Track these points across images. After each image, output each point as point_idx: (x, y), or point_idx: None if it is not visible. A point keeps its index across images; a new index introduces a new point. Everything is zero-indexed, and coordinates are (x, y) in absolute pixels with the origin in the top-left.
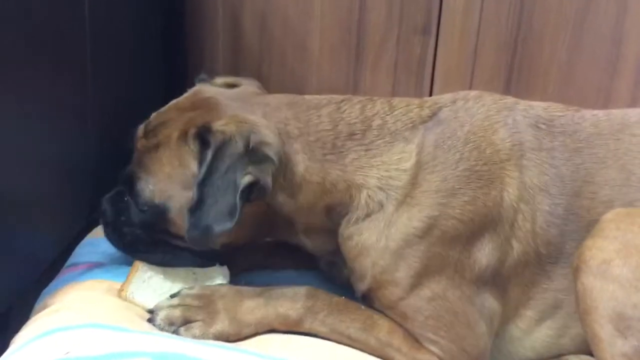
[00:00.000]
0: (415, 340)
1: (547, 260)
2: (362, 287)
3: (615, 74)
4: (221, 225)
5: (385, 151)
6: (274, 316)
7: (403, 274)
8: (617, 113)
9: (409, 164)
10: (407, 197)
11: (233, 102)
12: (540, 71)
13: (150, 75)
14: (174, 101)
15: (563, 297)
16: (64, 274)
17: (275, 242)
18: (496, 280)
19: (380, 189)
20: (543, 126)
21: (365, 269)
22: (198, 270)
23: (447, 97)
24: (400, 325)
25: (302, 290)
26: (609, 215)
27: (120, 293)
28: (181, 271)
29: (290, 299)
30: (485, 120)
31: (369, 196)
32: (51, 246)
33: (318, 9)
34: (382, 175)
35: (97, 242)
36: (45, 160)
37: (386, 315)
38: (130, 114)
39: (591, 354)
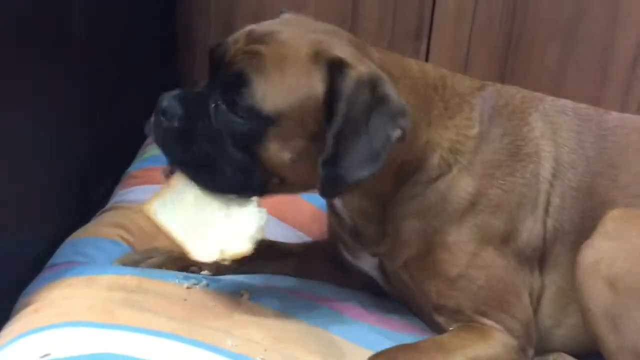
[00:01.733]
0: (470, 326)
1: (569, 238)
2: (406, 253)
3: (605, 83)
4: (361, 172)
5: (457, 112)
6: None
7: (455, 238)
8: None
9: (474, 132)
10: (469, 163)
11: (345, 36)
12: (531, 79)
13: (140, 84)
14: (272, 20)
15: (570, 281)
16: (45, 273)
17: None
18: (534, 255)
19: (452, 152)
20: (571, 113)
21: (417, 231)
22: (234, 208)
23: (483, 82)
24: (454, 313)
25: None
26: (614, 213)
27: (144, 205)
28: (215, 204)
29: None
30: (522, 103)
31: (442, 157)
32: (33, 247)
33: (312, 12)
34: (453, 139)
35: (78, 243)
36: (28, 164)
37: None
38: (116, 122)
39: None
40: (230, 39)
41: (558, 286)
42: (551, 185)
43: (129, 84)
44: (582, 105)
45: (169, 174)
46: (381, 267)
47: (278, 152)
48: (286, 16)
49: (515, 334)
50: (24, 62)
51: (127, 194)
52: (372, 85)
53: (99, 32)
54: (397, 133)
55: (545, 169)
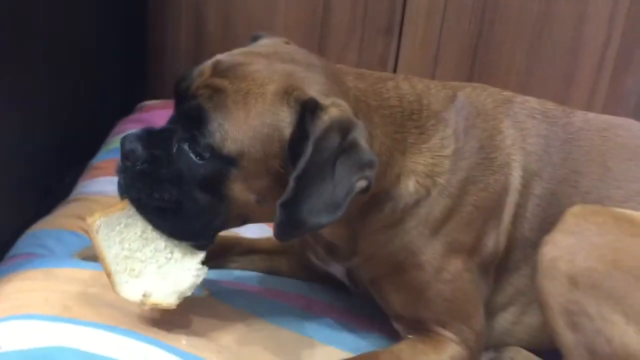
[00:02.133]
0: (427, 336)
1: (528, 244)
2: (377, 271)
3: (572, 83)
4: (319, 219)
5: (433, 135)
6: None
7: (428, 257)
8: (605, 116)
9: (449, 150)
10: (448, 183)
11: (319, 66)
12: (499, 78)
13: (106, 70)
14: (242, 49)
15: (529, 282)
16: (4, 264)
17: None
18: (491, 265)
19: (428, 175)
20: (539, 116)
21: (389, 254)
22: (177, 255)
23: (456, 83)
24: (413, 323)
25: None
26: (574, 210)
27: (88, 218)
28: (161, 244)
29: None
30: (493, 109)
31: (418, 182)
32: None
33: (283, 7)
34: (429, 162)
35: (38, 235)
36: None
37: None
38: (87, 107)
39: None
40: (196, 70)
41: (516, 288)
42: (519, 195)
43: (97, 80)
44: (550, 105)
45: (124, 196)
46: (349, 275)
47: (242, 192)
48: (261, 42)
49: (469, 344)
50: None
51: (90, 185)
52: (343, 130)
53: (65, 30)
54: (361, 184)
55: (515, 180)
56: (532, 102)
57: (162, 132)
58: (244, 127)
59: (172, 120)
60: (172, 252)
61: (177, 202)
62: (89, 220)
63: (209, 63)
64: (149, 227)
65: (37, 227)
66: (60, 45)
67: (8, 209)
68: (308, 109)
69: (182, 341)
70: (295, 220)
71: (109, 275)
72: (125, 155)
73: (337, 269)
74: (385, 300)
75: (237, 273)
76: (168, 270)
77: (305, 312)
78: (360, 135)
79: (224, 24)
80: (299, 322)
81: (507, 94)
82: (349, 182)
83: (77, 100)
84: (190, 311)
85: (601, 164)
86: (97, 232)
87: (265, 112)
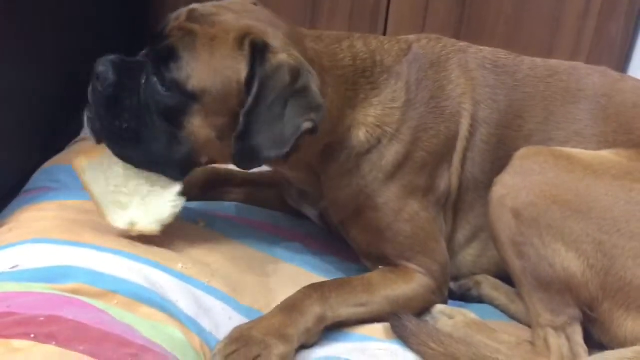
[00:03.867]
0: (396, 268)
1: (481, 185)
2: (342, 214)
3: (558, 29)
4: (269, 152)
5: (384, 89)
6: (304, 319)
7: (385, 199)
8: (552, 61)
9: (399, 102)
10: (397, 131)
11: (281, 25)
12: (487, 24)
13: (111, 23)
14: (215, 2)
15: (487, 220)
16: (20, 197)
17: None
18: (447, 204)
19: (378, 126)
20: (489, 66)
21: (350, 198)
22: (157, 187)
23: (412, 36)
24: (380, 259)
25: (304, 289)
26: (520, 152)
27: (75, 160)
28: (142, 179)
29: (302, 299)
30: (446, 61)
31: (368, 133)
32: (9, 175)
33: None
34: (379, 114)
35: (51, 170)
36: (3, 97)
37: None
38: (89, 55)
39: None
40: (174, 14)
41: (474, 225)
42: (467, 141)
43: (100, 30)
44: (502, 55)
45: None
46: (322, 217)
47: (202, 127)
48: (233, 0)
49: (434, 276)
50: None
51: None
52: (294, 74)
53: None
54: (307, 125)
55: (464, 127)
56: (485, 52)
57: (135, 63)
58: (208, 67)
59: (145, 55)
60: (152, 186)
61: (137, 131)
62: (75, 163)
63: (185, 10)
64: (128, 166)
65: (49, 163)
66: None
67: (21, 149)
68: (259, 51)
69: (179, 265)
70: (248, 152)
71: (98, 208)
72: (97, 75)
73: (310, 212)
74: (353, 240)
75: (230, 205)
76: (150, 202)
77: (291, 242)
78: (311, 80)
79: None
80: (284, 250)
81: (462, 44)
82: (296, 122)
83: (84, 48)
84: (186, 239)
85: (544, 108)
86: (83, 173)
87: (227, 55)
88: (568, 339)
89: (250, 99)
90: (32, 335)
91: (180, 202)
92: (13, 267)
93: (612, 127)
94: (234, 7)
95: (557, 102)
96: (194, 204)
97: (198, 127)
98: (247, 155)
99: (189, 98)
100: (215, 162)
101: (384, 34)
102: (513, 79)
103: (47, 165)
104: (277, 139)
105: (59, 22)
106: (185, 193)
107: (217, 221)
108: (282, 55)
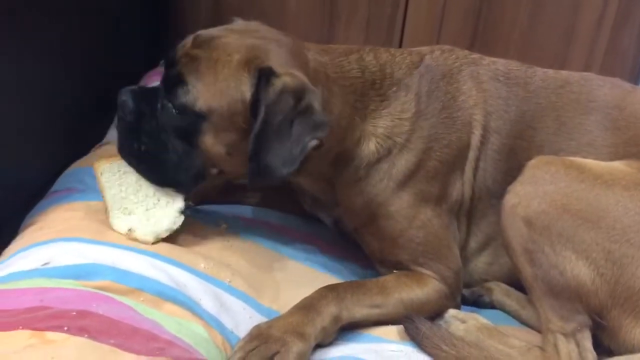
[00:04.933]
0: (411, 272)
1: (494, 194)
2: (356, 221)
3: (572, 40)
4: (280, 169)
5: (394, 101)
6: (321, 318)
7: (397, 207)
8: (564, 72)
9: (409, 114)
10: (407, 141)
11: (283, 41)
12: (502, 35)
13: (134, 25)
14: (220, 26)
15: (499, 228)
16: (48, 198)
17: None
18: (459, 212)
19: (388, 137)
20: (502, 78)
21: (363, 205)
22: (162, 200)
23: (425, 48)
24: (395, 265)
25: (320, 290)
26: (532, 162)
27: (96, 161)
28: (151, 190)
29: (318, 299)
30: (458, 72)
31: (378, 144)
32: (37, 176)
33: None
34: (388, 125)
35: (76, 172)
36: (33, 101)
37: (384, 272)
38: (114, 60)
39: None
40: (181, 43)
41: (486, 233)
42: (479, 151)
43: (126, 39)
44: (514, 66)
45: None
46: (336, 223)
47: (213, 144)
48: (236, 23)
49: (448, 281)
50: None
51: None
52: (297, 95)
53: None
54: (313, 143)
55: (475, 137)
56: (498, 63)
57: (151, 90)
58: (213, 88)
59: (161, 82)
60: (159, 200)
61: (156, 152)
62: (95, 164)
63: (190, 37)
64: (138, 177)
65: (75, 166)
66: (91, 6)
67: (49, 152)
68: (263, 76)
69: (201, 265)
70: (261, 172)
71: (106, 209)
72: (119, 105)
73: (325, 218)
74: (367, 246)
75: (249, 209)
76: (152, 214)
77: (309, 246)
78: (314, 99)
79: None
80: (301, 253)
81: (475, 56)
82: (303, 141)
83: (108, 56)
84: (209, 240)
85: (556, 119)
86: (101, 175)
87: (231, 76)
88: (577, 344)
89: (257, 123)
90: (65, 328)
91: (180, 220)
92: (45, 264)
93: (623, 139)
94: (237, 27)
95: (569, 113)
96: (216, 207)
97: (210, 144)
98: (261, 174)
99: (198, 117)
100: (226, 175)
101: (400, 43)
102: (525, 90)
103: (73, 167)
104: (287, 158)
105: (87, 31)
106: (205, 197)
107: (238, 224)
108: (285, 78)
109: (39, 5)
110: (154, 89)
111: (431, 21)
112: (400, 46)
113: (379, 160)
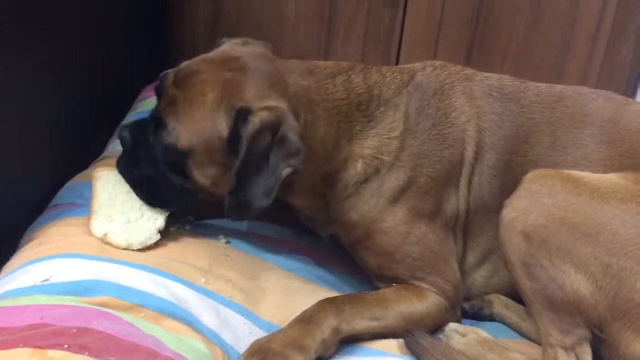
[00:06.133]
0: (410, 285)
1: (491, 209)
2: (351, 237)
3: (569, 53)
4: (259, 202)
5: (381, 121)
6: (320, 330)
7: (391, 223)
8: (557, 87)
9: (397, 132)
10: (396, 159)
11: (261, 68)
12: (499, 47)
13: (133, 40)
14: (203, 55)
15: (497, 242)
16: (47, 213)
17: None
18: (455, 226)
19: (375, 157)
20: (495, 94)
21: (356, 222)
22: (145, 215)
23: (418, 64)
24: (392, 280)
25: (319, 303)
26: (528, 175)
27: (95, 167)
28: (137, 203)
29: (317, 311)
30: (450, 88)
31: (366, 164)
32: (37, 190)
33: None
34: (376, 145)
35: (76, 187)
36: (33, 114)
37: (382, 287)
38: (113, 75)
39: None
40: (166, 76)
41: (484, 247)
42: (472, 167)
43: (126, 54)
44: (508, 81)
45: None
46: (333, 239)
47: (199, 177)
48: (223, 46)
49: (447, 295)
50: (27, 29)
51: (119, 144)
52: (273, 129)
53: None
54: (287, 171)
55: (469, 153)
56: (491, 79)
57: (145, 123)
58: (191, 128)
59: (149, 117)
60: (142, 215)
61: (154, 178)
62: (94, 171)
63: (172, 71)
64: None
65: (75, 180)
66: (91, 22)
67: (48, 166)
68: (240, 115)
69: (202, 279)
70: (241, 205)
71: (90, 212)
72: (120, 140)
73: (321, 232)
74: (364, 262)
75: (250, 223)
76: (132, 227)
77: (306, 259)
78: (288, 129)
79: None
80: (300, 265)
81: (468, 72)
82: (277, 170)
83: (108, 69)
84: (209, 255)
85: (550, 134)
86: (96, 180)
87: (206, 117)
88: (577, 358)
89: (238, 161)
90: (66, 346)
91: (156, 237)
92: (44, 281)
93: (618, 151)
94: (218, 57)
95: (563, 128)
96: (216, 222)
97: (196, 177)
98: (240, 208)
99: (181, 155)
100: (219, 198)
101: (398, 55)
102: (519, 105)
103: (72, 182)
104: (265, 190)
105: (87, 47)
106: (205, 212)
107: (238, 238)
108: (262, 114)
109: (40, 22)
110: (147, 121)
111: (428, 34)
112: (397, 58)
113: (367, 179)
